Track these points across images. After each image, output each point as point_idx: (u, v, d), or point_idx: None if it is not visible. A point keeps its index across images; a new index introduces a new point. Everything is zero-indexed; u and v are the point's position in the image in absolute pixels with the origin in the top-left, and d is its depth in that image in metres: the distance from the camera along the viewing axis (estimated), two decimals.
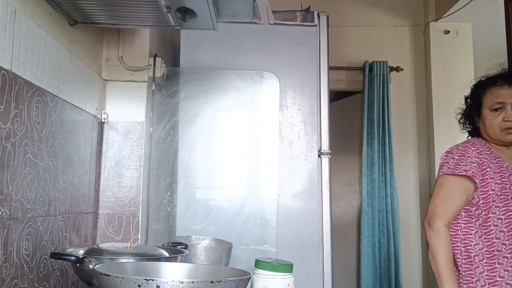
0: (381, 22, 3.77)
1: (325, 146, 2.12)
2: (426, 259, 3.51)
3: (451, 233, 1.73)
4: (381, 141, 3.47)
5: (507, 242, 1.65)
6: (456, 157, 1.73)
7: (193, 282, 0.85)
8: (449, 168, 1.72)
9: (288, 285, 1.20)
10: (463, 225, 1.73)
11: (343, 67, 3.67)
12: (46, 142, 1.40)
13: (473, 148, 1.75)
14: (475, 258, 1.68)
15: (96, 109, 1.83)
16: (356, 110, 3.69)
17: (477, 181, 1.69)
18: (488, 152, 1.75)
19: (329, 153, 2.13)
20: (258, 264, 1.22)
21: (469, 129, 1.90)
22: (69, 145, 1.57)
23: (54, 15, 1.49)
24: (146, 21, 1.62)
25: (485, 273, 1.66)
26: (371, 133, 3.49)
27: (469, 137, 1.90)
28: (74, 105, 1.61)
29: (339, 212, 3.66)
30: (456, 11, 3.39)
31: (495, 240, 1.66)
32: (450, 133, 3.41)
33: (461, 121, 1.92)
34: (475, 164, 1.70)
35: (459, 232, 1.73)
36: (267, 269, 1.20)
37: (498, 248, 1.66)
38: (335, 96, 4.17)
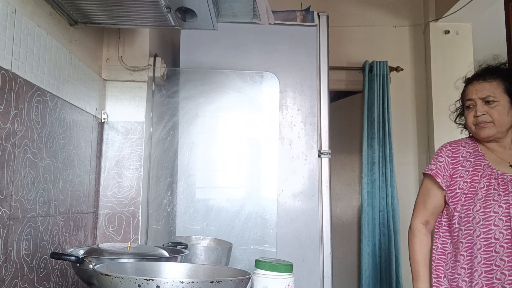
0: (381, 22, 3.77)
1: (325, 146, 2.12)
2: None
3: (435, 230, 1.77)
4: (381, 141, 3.47)
5: (463, 240, 1.65)
6: (432, 157, 1.79)
7: (193, 282, 0.85)
8: (426, 168, 1.78)
9: (288, 285, 1.20)
10: (444, 223, 1.76)
11: (343, 67, 3.66)
12: (46, 142, 1.40)
13: (449, 147, 1.77)
14: (448, 255, 1.71)
15: (96, 109, 1.83)
16: (356, 110, 3.69)
17: (439, 180, 1.72)
18: (470, 150, 1.73)
19: (329, 153, 2.13)
20: (258, 264, 1.22)
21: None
22: (69, 145, 1.57)
23: (54, 15, 1.49)
24: (146, 21, 1.62)
25: (449, 270, 1.68)
26: (371, 133, 3.48)
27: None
28: (74, 105, 1.61)
29: (339, 212, 3.66)
30: (456, 11, 3.39)
31: (456, 238, 1.68)
32: (450, 133, 3.38)
33: (457, 121, 1.92)
34: (442, 164, 1.73)
35: (439, 231, 1.76)
36: (267, 269, 1.20)
37: (458, 246, 1.66)
38: (335, 96, 4.16)
